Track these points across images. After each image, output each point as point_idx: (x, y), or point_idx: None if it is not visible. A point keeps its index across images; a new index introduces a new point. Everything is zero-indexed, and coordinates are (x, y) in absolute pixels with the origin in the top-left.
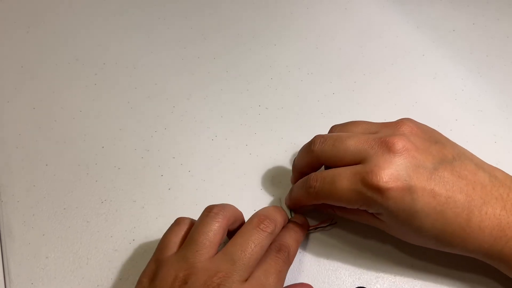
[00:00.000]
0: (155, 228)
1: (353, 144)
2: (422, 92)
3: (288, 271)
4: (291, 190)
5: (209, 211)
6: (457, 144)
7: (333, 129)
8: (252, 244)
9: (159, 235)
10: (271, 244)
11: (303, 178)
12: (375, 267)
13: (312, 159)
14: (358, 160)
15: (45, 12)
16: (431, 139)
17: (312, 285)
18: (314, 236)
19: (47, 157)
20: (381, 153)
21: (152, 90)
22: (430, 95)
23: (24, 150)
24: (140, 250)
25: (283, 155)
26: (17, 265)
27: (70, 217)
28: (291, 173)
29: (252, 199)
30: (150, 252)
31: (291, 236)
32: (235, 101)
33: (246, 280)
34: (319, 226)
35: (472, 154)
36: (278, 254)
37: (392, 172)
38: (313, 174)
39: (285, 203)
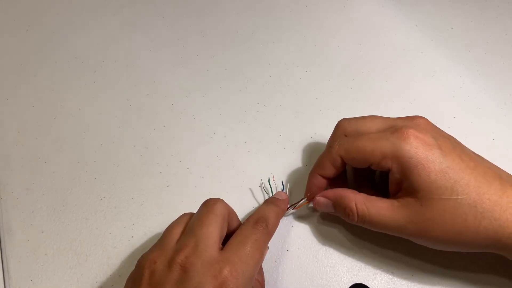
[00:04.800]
0: (154, 225)
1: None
2: (421, 89)
3: (287, 268)
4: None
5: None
6: None
7: (344, 121)
8: (208, 214)
9: (158, 231)
10: (248, 217)
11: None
12: (373, 264)
13: (333, 156)
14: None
15: (45, 11)
16: (447, 134)
17: (310, 281)
18: (312, 232)
19: (46, 154)
20: (408, 120)
21: (151, 88)
22: (429, 93)
23: (24, 148)
24: (139, 247)
25: (282, 152)
26: (17, 262)
27: (69, 214)
28: (289, 170)
29: (250, 196)
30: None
31: (270, 209)
32: (233, 99)
33: (219, 249)
34: (295, 203)
35: None
36: (255, 225)
37: (420, 130)
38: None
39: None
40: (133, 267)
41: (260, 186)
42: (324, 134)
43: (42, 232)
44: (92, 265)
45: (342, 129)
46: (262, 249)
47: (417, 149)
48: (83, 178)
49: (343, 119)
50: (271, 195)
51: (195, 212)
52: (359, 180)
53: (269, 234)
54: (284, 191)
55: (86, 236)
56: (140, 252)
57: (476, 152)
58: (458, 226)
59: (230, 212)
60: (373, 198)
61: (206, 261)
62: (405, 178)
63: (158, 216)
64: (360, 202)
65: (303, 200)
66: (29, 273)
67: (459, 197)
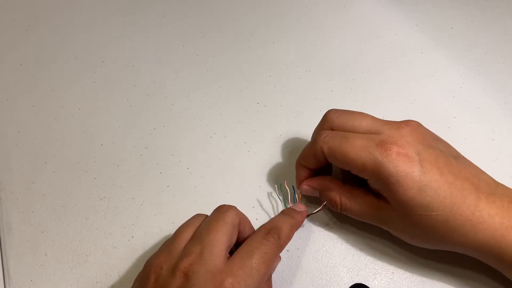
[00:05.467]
0: (154, 225)
1: (358, 143)
2: (421, 89)
3: (287, 268)
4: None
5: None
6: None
7: (332, 114)
8: (217, 221)
9: (158, 232)
10: (261, 226)
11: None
12: (373, 264)
13: (316, 151)
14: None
15: (45, 11)
16: (437, 138)
17: (310, 281)
18: (313, 232)
19: (47, 154)
20: (395, 129)
21: (151, 88)
22: (429, 93)
23: (24, 148)
24: (139, 247)
25: (282, 152)
26: (17, 262)
27: (69, 214)
28: (289, 171)
29: (250, 196)
30: (149, 249)
31: (286, 221)
32: (234, 99)
33: (225, 259)
34: (313, 212)
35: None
36: (267, 236)
37: (404, 143)
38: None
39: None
40: (133, 267)
41: (275, 191)
42: None
43: (42, 232)
44: (92, 265)
45: (330, 122)
46: (269, 262)
47: (397, 167)
48: (83, 178)
49: (331, 110)
50: (284, 203)
51: (191, 212)
52: (345, 172)
53: (280, 246)
54: (296, 195)
55: (86, 236)
56: (140, 252)
57: (472, 151)
58: (431, 238)
59: (243, 220)
60: (356, 192)
61: (209, 270)
62: (383, 191)
63: (158, 216)
64: (343, 195)
65: (318, 209)
66: (29, 273)
67: (433, 213)
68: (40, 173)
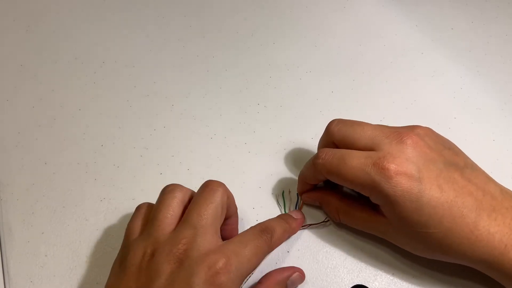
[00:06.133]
0: None
1: (356, 161)
2: (421, 90)
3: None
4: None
5: (164, 190)
6: (469, 158)
7: (334, 126)
8: (207, 204)
9: None
10: (256, 224)
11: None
12: (373, 265)
13: (316, 170)
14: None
15: (45, 11)
16: (445, 144)
17: (311, 283)
18: (313, 234)
19: (47, 155)
20: (395, 144)
21: (151, 89)
22: (429, 93)
23: (24, 149)
24: None
25: (282, 153)
26: (16, 263)
27: (69, 215)
28: (289, 171)
29: (251, 198)
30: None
31: (280, 224)
32: (234, 100)
33: (217, 242)
34: (312, 224)
35: (482, 169)
36: (260, 233)
37: (403, 161)
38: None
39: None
40: None
41: (276, 199)
42: None
43: (42, 233)
44: (92, 266)
45: (331, 135)
46: (260, 256)
47: (396, 187)
48: (83, 179)
49: (333, 121)
50: (284, 210)
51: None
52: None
53: (270, 246)
54: (299, 203)
55: (86, 237)
56: None
57: (473, 151)
58: (431, 252)
59: (229, 197)
60: (354, 207)
61: (203, 254)
62: (381, 207)
63: None
64: (342, 209)
65: (320, 223)
66: (29, 274)
67: (430, 231)
68: (40, 174)
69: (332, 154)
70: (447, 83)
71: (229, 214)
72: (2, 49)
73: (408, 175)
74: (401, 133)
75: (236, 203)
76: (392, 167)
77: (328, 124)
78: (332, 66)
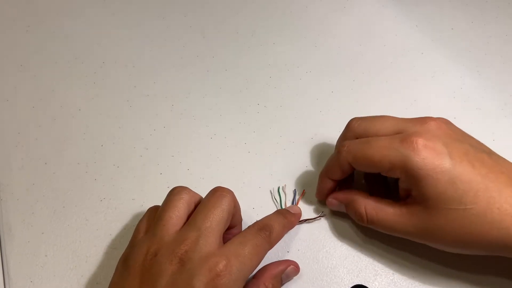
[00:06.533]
0: None
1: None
2: (421, 90)
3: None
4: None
5: (171, 191)
6: None
7: (355, 123)
8: (214, 208)
9: None
10: (254, 222)
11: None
12: (373, 265)
13: (341, 162)
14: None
15: (45, 11)
16: (467, 135)
17: (311, 283)
18: (313, 234)
19: (47, 155)
20: (419, 125)
21: (151, 89)
22: (429, 93)
23: (24, 149)
24: None
25: (282, 153)
26: (17, 263)
27: (69, 215)
28: (290, 171)
29: (251, 198)
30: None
31: (278, 220)
32: (234, 100)
33: (219, 246)
34: (309, 219)
35: None
36: (259, 231)
37: (430, 137)
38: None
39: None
40: None
41: (271, 194)
42: (324, 134)
43: (42, 233)
44: (92, 266)
45: (352, 130)
46: (260, 254)
47: (426, 160)
48: (83, 179)
49: (354, 118)
50: (280, 205)
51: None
52: (370, 182)
53: (270, 243)
54: (296, 199)
55: (86, 237)
56: None
57: (495, 151)
58: (465, 235)
59: (236, 205)
60: (383, 203)
61: (204, 256)
62: (413, 188)
63: None
64: (369, 207)
65: (317, 217)
66: (29, 274)
67: (468, 207)
68: (40, 174)
69: (356, 141)
70: (447, 83)
71: (234, 223)
72: (2, 48)
73: (436, 150)
74: (423, 118)
75: None
76: (420, 141)
77: (348, 122)
78: (332, 66)
